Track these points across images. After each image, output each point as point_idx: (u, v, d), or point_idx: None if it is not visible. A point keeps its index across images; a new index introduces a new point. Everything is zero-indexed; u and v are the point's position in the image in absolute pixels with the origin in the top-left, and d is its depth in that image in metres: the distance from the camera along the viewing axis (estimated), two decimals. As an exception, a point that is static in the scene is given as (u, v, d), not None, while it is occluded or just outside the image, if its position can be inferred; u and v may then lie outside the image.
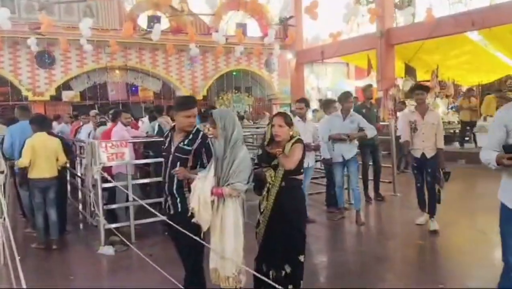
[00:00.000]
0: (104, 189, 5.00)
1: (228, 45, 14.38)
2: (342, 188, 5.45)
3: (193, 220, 2.83)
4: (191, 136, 2.98)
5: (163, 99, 14.99)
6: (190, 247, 2.83)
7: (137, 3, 14.41)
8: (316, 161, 6.06)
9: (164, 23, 14.11)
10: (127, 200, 5.30)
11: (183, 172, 2.88)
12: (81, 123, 7.88)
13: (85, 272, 4.40)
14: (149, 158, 6.03)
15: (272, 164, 2.93)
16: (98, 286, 4.00)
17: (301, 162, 2.92)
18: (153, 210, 3.81)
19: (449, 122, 12.21)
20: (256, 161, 3.13)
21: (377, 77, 12.56)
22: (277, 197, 2.92)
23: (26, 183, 5.11)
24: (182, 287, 2.93)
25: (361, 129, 5.24)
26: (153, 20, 13.73)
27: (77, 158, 6.86)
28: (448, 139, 10.66)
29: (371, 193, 6.62)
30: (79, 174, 6.76)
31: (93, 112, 7.48)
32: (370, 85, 6.62)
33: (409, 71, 13.39)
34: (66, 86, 14.10)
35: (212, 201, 2.85)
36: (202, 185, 2.88)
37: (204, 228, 2.80)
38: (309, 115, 5.51)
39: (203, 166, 2.93)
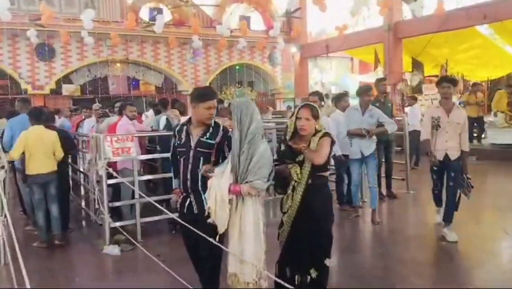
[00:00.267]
0: (108, 185, 4.77)
1: (231, 38, 14.12)
2: (358, 186, 5.23)
3: (209, 221, 2.61)
4: (211, 129, 2.79)
5: (164, 93, 14.75)
6: (212, 249, 2.61)
7: (139, -5, 14.12)
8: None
9: (167, 15, 13.83)
10: (133, 197, 5.08)
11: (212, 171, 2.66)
12: (83, 117, 7.63)
13: (90, 273, 4.19)
14: (154, 153, 5.80)
15: (296, 160, 2.70)
16: (104, 288, 3.78)
17: (328, 157, 2.69)
18: (163, 209, 3.63)
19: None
20: (275, 157, 2.91)
21: (385, 71, 12.34)
22: (304, 195, 2.70)
23: (27, 179, 4.89)
24: None
25: (380, 124, 4.99)
26: (155, 12, 13.45)
27: (79, 152, 6.63)
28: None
29: (383, 191, 6.40)
30: (81, 169, 6.53)
31: (95, 106, 7.24)
32: (383, 79, 6.37)
33: (416, 65, 13.15)
34: (66, 79, 13.84)
35: (230, 200, 2.63)
36: (218, 182, 2.66)
37: (221, 229, 2.58)
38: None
39: None
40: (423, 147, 4.86)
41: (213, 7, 15.31)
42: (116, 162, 4.96)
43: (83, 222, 5.93)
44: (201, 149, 2.77)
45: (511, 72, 12.91)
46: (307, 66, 16.46)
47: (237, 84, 17.29)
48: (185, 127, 2.87)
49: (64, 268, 4.32)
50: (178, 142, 2.84)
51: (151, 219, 5.03)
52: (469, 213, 5.03)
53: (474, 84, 11.74)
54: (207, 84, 15.67)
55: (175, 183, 3.07)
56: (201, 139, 2.78)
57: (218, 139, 2.78)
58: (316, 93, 5.34)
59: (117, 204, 4.98)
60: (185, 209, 2.83)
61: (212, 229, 2.59)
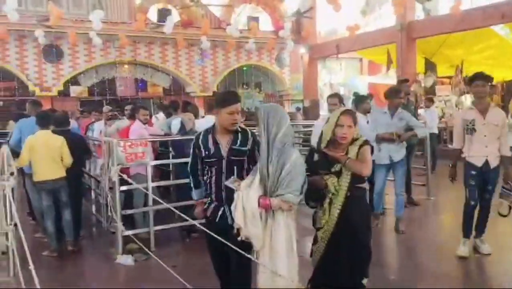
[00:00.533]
0: (120, 191, 4.58)
1: (239, 39, 13.93)
2: (383, 193, 4.96)
3: (239, 238, 2.40)
4: (240, 135, 2.59)
5: (172, 95, 14.59)
6: (244, 265, 2.40)
7: (147, -4, 13.96)
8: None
9: (175, 17, 13.67)
10: (145, 204, 4.88)
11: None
12: (93, 119, 7.46)
13: (104, 285, 3.98)
14: (166, 157, 5.61)
15: (332, 170, 2.48)
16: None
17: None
18: (184, 216, 3.43)
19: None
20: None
21: (397, 72, 12.08)
22: (342, 209, 2.48)
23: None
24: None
25: (408, 128, 4.72)
26: (164, 13, 13.30)
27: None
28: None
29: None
30: (91, 173, 6.35)
31: (106, 108, 7.05)
32: (406, 80, 6.11)
33: (429, 66, 12.88)
34: (74, 81, 13.71)
35: (260, 214, 2.42)
36: (246, 195, 2.45)
37: (257, 245, 2.36)
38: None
39: None
40: (453, 158, 4.15)
41: (220, 8, 15.14)
42: (128, 167, 4.78)
43: (94, 229, 5.74)
44: (235, 158, 2.58)
45: (527, 73, 12.60)
46: (317, 67, 16.22)
47: (244, 86, 17.10)
48: (210, 136, 2.66)
49: (77, 279, 4.14)
50: (207, 152, 2.62)
51: (165, 226, 4.83)
52: (498, 223, 4.77)
53: (490, 86, 11.42)
54: (215, 86, 15.52)
55: (196, 194, 2.87)
56: (233, 147, 2.59)
57: (249, 146, 2.60)
58: (335, 95, 5.08)
59: (130, 211, 4.79)
60: (218, 218, 2.63)
61: (245, 245, 2.39)
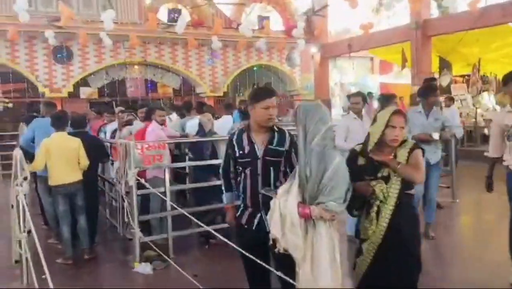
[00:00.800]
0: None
1: (251, 39, 13.74)
2: (420, 198, 4.46)
3: (276, 250, 2.19)
4: (277, 135, 2.40)
5: (182, 96, 14.43)
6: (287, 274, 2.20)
7: (158, -4, 13.82)
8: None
9: (185, 16, 13.51)
10: (162, 209, 4.69)
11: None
12: (105, 121, 7.29)
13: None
14: (182, 159, 5.41)
15: (379, 175, 2.26)
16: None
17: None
18: (200, 223, 3.23)
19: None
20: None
21: (412, 71, 11.80)
22: (392, 218, 2.26)
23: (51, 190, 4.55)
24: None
25: (443, 128, 4.44)
26: (174, 13, 13.14)
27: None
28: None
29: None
30: (105, 176, 6.18)
31: (117, 109, 6.88)
32: (433, 78, 5.85)
33: (444, 65, 12.59)
34: (83, 82, 13.60)
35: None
36: (284, 202, 2.24)
37: (298, 255, 2.15)
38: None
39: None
40: (491, 168, 3.70)
41: (230, 8, 14.96)
42: (145, 170, 4.59)
43: (109, 235, 5.55)
44: (270, 158, 2.39)
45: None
46: (328, 66, 15.97)
47: (255, 86, 16.88)
48: (245, 134, 2.46)
49: (93, 289, 3.95)
50: (241, 152, 2.43)
51: (184, 232, 4.63)
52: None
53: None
54: (225, 86, 15.35)
55: (226, 198, 2.69)
56: (269, 146, 2.40)
57: (287, 146, 2.42)
58: (359, 93, 4.85)
59: (147, 217, 4.60)
60: (254, 225, 2.44)
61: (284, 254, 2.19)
